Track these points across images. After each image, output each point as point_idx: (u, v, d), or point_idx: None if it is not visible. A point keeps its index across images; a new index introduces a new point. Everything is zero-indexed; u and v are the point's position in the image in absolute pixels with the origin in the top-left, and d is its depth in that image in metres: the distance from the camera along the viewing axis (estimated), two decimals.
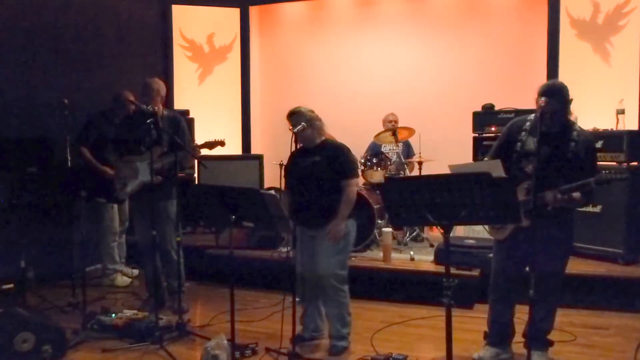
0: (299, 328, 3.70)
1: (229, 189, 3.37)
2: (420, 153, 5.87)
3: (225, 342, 3.47)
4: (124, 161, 4.35)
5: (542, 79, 5.45)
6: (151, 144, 3.93)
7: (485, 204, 2.50)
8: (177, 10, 7.14)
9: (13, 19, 5.21)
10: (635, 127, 5.32)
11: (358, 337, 3.90)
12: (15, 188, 4.75)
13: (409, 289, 4.78)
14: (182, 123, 4.43)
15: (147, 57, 6.84)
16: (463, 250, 4.74)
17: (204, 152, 4.43)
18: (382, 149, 6.10)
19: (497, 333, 3.50)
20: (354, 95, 7.07)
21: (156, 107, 4.19)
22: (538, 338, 3.35)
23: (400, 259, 5.14)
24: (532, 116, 3.33)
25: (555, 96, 3.09)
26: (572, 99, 3.19)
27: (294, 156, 3.70)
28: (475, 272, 4.62)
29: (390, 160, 5.71)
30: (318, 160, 3.63)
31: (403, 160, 5.79)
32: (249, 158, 6.88)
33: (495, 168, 2.86)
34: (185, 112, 6.47)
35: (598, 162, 3.42)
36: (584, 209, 4.17)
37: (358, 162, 4.86)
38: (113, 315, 4.11)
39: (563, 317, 3.95)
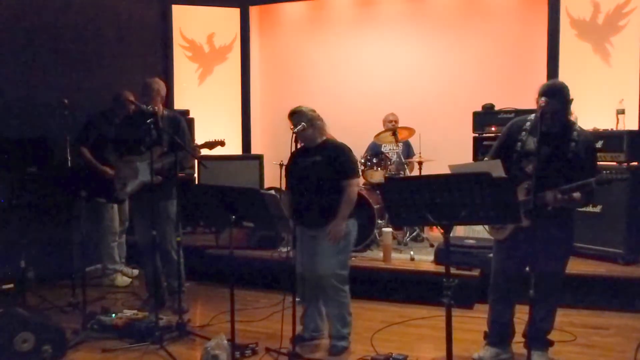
0: (299, 328, 3.70)
1: (229, 189, 3.37)
2: (420, 153, 5.87)
3: (225, 342, 3.46)
4: (124, 161, 4.35)
5: (542, 79, 5.46)
6: (151, 144, 3.93)
7: (485, 204, 2.50)
8: (177, 10, 7.14)
9: (13, 19, 5.21)
10: (636, 127, 5.32)
11: (358, 337, 3.90)
12: (15, 188, 4.75)
13: (409, 289, 4.78)
14: (182, 123, 4.44)
15: (147, 57, 6.84)
16: (463, 250, 4.74)
17: (204, 152, 4.43)
18: (382, 149, 6.10)
19: (497, 333, 3.50)
20: (354, 95, 7.07)
21: (156, 107, 4.19)
22: (538, 338, 3.35)
23: (401, 259, 5.14)
24: (532, 116, 3.33)
25: (556, 96, 3.09)
26: (572, 99, 3.18)
27: (294, 156, 3.70)
28: (475, 272, 4.62)
29: (390, 160, 5.71)
30: (319, 160, 3.63)
31: (403, 160, 5.79)
32: (249, 158, 6.88)
33: (495, 168, 2.86)
34: (185, 112, 6.47)
35: (598, 162, 3.42)
36: (584, 209, 4.17)
37: (358, 162, 4.86)
38: (113, 315, 4.11)
39: (563, 317, 3.95)
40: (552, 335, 3.45)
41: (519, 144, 3.28)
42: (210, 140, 4.37)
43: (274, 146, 7.17)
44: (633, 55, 5.55)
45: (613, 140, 4.87)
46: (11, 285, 4.58)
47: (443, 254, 4.63)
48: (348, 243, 3.71)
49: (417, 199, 2.58)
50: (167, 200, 4.35)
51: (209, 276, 5.39)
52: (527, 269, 3.28)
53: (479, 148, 5.54)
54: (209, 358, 3.40)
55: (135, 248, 4.91)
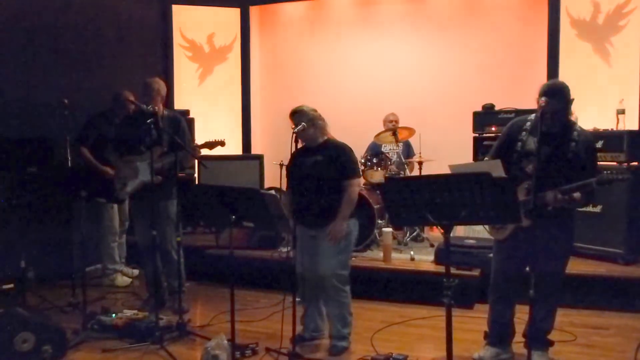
0: (299, 328, 3.70)
1: (229, 189, 3.37)
2: (420, 153, 5.87)
3: (226, 342, 3.46)
4: (124, 161, 4.35)
5: (542, 79, 5.46)
6: (151, 144, 3.93)
7: (485, 204, 2.50)
8: (177, 10, 7.14)
9: (13, 19, 5.21)
10: (636, 127, 5.32)
11: (358, 337, 3.90)
12: (15, 188, 4.75)
13: (409, 289, 4.78)
14: (183, 123, 4.43)
15: (147, 57, 6.85)
16: (463, 250, 4.74)
17: (204, 152, 4.43)
18: (383, 149, 6.10)
19: (497, 333, 3.50)
20: (354, 95, 7.06)
21: (156, 107, 4.19)
22: (538, 338, 3.35)
23: (401, 259, 5.14)
24: (532, 116, 3.33)
25: (556, 96, 3.09)
26: (573, 99, 3.18)
27: (295, 155, 3.68)
28: (476, 272, 4.62)
29: (390, 160, 5.71)
30: (320, 160, 3.63)
31: (403, 160, 5.79)
32: (249, 158, 6.88)
33: (496, 168, 2.86)
34: (185, 112, 6.47)
35: (598, 162, 3.42)
36: (584, 209, 4.17)
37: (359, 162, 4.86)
38: (113, 315, 4.11)
39: (563, 317, 3.95)
40: (552, 335, 3.45)
41: (519, 144, 3.28)
42: (210, 140, 4.37)
43: (274, 146, 7.17)
44: (633, 55, 5.55)
45: (613, 140, 4.87)
46: (11, 285, 4.58)
47: (443, 254, 4.63)
48: (349, 243, 3.70)
49: (417, 199, 2.58)
50: (167, 200, 4.35)
51: (209, 276, 5.39)
52: (527, 269, 3.28)
53: (479, 148, 5.54)
54: (209, 358, 3.40)
55: (135, 248, 4.90)
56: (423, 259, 5.08)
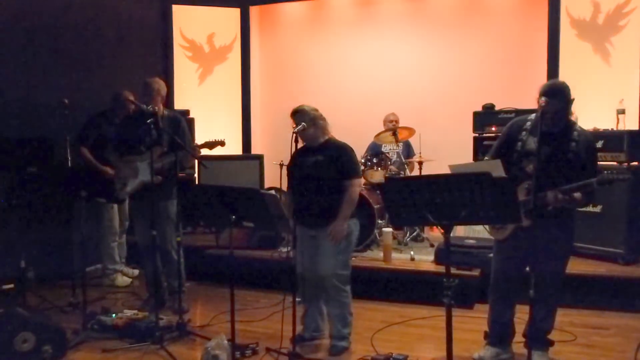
0: (299, 328, 3.70)
1: (229, 189, 3.37)
2: (420, 153, 5.87)
3: (226, 342, 3.46)
4: (124, 161, 4.35)
5: (542, 79, 5.47)
6: (151, 144, 3.93)
7: (485, 204, 2.50)
8: (177, 10, 7.14)
9: (13, 19, 5.20)
10: (636, 127, 5.32)
11: (358, 337, 3.90)
12: (15, 188, 4.75)
13: (409, 289, 4.78)
14: (183, 123, 4.43)
15: (147, 57, 6.85)
16: (463, 250, 4.74)
17: (204, 152, 4.43)
18: (383, 149, 6.10)
19: (497, 333, 3.50)
20: (354, 95, 7.06)
21: (156, 107, 4.18)
22: (538, 338, 3.35)
23: (401, 259, 5.14)
24: (532, 116, 3.33)
25: (557, 96, 3.09)
26: (573, 99, 3.18)
27: (296, 155, 3.65)
28: (476, 272, 4.62)
29: (390, 160, 5.71)
30: (321, 160, 3.62)
31: (403, 160, 5.79)
32: (249, 158, 6.88)
33: (496, 168, 2.86)
34: (186, 112, 6.47)
35: (598, 162, 3.42)
36: (584, 209, 4.17)
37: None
38: (113, 315, 4.11)
39: (563, 317, 3.95)
40: (552, 335, 3.45)
41: (520, 143, 3.28)
42: (210, 140, 4.37)
43: (274, 146, 7.17)
44: (633, 55, 5.55)
45: (613, 140, 4.87)
46: (11, 285, 4.58)
47: (443, 254, 4.62)
48: (350, 243, 3.70)
49: (417, 199, 2.58)
50: (167, 200, 4.35)
51: (209, 276, 5.39)
52: (527, 269, 3.28)
53: (479, 148, 5.54)
54: (209, 358, 3.40)
55: (135, 248, 4.91)
56: (423, 259, 5.08)
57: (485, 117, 5.65)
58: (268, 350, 3.70)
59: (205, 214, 3.69)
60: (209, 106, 7.21)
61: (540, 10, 6.16)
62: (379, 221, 5.43)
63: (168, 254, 4.42)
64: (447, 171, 2.87)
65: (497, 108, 5.70)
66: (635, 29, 5.59)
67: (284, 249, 5.25)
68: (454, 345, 2.63)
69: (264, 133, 7.65)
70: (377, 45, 7.05)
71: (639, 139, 4.93)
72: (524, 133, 3.28)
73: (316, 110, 3.68)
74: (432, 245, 5.40)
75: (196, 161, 5.33)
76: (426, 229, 5.94)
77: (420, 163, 5.73)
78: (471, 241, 4.87)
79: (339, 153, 3.64)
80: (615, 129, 5.12)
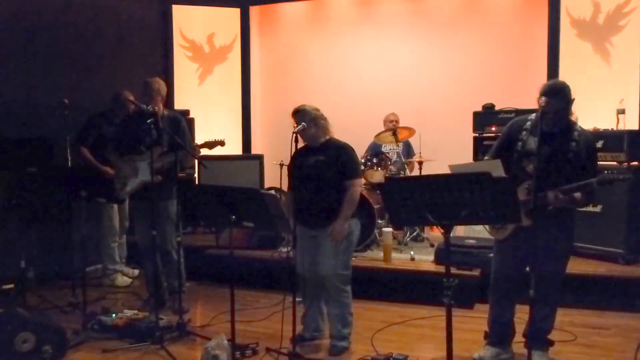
0: (299, 328, 3.70)
1: (229, 189, 3.37)
2: (420, 153, 5.87)
3: (226, 342, 3.46)
4: (124, 161, 4.35)
5: (542, 79, 5.48)
6: (151, 144, 3.93)
7: (485, 204, 2.50)
8: (177, 10, 7.14)
9: (13, 19, 5.21)
10: (636, 127, 5.32)
11: (358, 337, 3.90)
12: (15, 188, 4.75)
13: (409, 289, 4.78)
14: (183, 123, 4.43)
15: (147, 57, 6.85)
16: (463, 250, 4.74)
17: (204, 152, 4.43)
18: (383, 149, 6.10)
19: (497, 333, 3.49)
20: (354, 95, 7.06)
21: (156, 107, 4.19)
22: (538, 338, 3.35)
23: (401, 259, 5.14)
24: (533, 116, 3.33)
25: (557, 96, 3.08)
26: (574, 99, 3.18)
27: (297, 155, 3.65)
28: (476, 272, 4.62)
29: (390, 160, 5.71)
30: (322, 160, 3.62)
31: (403, 160, 5.80)
32: (249, 158, 6.89)
33: (496, 168, 2.87)
34: (186, 112, 6.47)
35: (598, 162, 3.42)
36: (584, 208, 4.17)
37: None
38: (113, 315, 4.11)
39: (563, 317, 3.95)
40: (553, 335, 3.45)
41: (520, 143, 3.28)
42: (210, 140, 4.37)
43: (274, 146, 7.17)
44: (633, 55, 5.55)
45: (613, 140, 4.87)
46: (11, 285, 4.58)
47: (443, 254, 4.62)
48: (350, 243, 3.70)
49: (417, 199, 2.58)
50: (167, 200, 4.35)
51: (209, 276, 5.39)
52: (527, 269, 3.28)
53: (479, 148, 5.54)
54: (210, 358, 3.40)
55: (135, 248, 4.90)
56: (423, 259, 5.08)
57: (485, 117, 5.65)
58: (268, 350, 3.70)
59: (205, 214, 3.69)
60: (209, 106, 7.21)
61: (540, 10, 6.16)
62: (379, 221, 5.44)
63: (168, 254, 4.42)
64: (447, 171, 2.87)
65: (497, 108, 5.70)
66: (635, 29, 5.59)
67: (284, 249, 5.25)
68: (454, 345, 2.63)
69: (264, 133, 7.65)
70: (377, 45, 7.05)
71: (639, 139, 4.93)
72: (524, 133, 3.28)
73: (317, 110, 3.68)
74: (432, 245, 5.40)
75: (196, 161, 5.32)
76: (426, 229, 5.94)
77: (420, 163, 5.73)
78: (471, 241, 4.87)
79: (340, 153, 3.63)
80: (615, 129, 5.11)
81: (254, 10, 7.49)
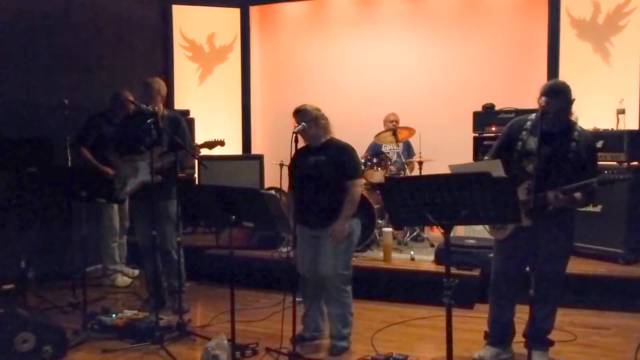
0: (299, 328, 3.70)
1: (229, 189, 3.36)
2: (420, 153, 5.87)
3: (226, 342, 3.46)
4: (124, 161, 4.35)
5: (542, 79, 5.48)
6: (151, 144, 3.93)
7: (485, 204, 2.50)
8: (177, 10, 7.15)
9: (13, 19, 5.21)
10: (636, 127, 5.32)
11: (358, 337, 3.90)
12: (15, 188, 4.75)
13: (410, 289, 4.78)
14: (183, 123, 4.43)
15: (147, 57, 6.85)
16: (463, 250, 4.74)
17: (204, 152, 4.43)
18: (383, 149, 6.10)
19: (497, 333, 3.50)
20: (354, 95, 7.06)
21: (156, 107, 4.19)
22: (538, 338, 3.35)
23: (401, 259, 5.14)
24: (533, 115, 3.33)
25: (557, 96, 3.08)
26: (574, 99, 3.18)
27: (298, 155, 3.64)
28: (476, 272, 4.62)
29: (390, 160, 5.71)
30: (322, 160, 3.61)
31: (403, 160, 5.80)
32: (249, 158, 6.89)
33: (496, 168, 2.87)
34: (186, 112, 6.47)
35: (598, 162, 3.42)
36: (584, 208, 4.17)
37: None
38: (113, 315, 4.11)
39: (563, 316, 3.95)
40: (553, 335, 3.45)
41: (520, 143, 3.28)
42: (210, 140, 4.37)
43: (274, 146, 7.17)
44: (633, 55, 5.55)
45: (613, 140, 4.87)
46: (11, 286, 4.59)
47: (443, 254, 4.61)
48: (351, 243, 3.70)
49: (417, 199, 2.58)
50: (167, 200, 4.35)
51: (209, 276, 5.39)
52: (527, 269, 3.28)
53: (479, 148, 5.54)
54: (210, 358, 3.40)
55: (135, 248, 4.90)
56: (423, 259, 5.08)
57: (485, 117, 5.65)
58: (268, 350, 3.70)
59: (205, 214, 3.69)
60: (209, 106, 7.21)
61: (540, 10, 6.16)
62: (379, 221, 5.44)
63: (168, 254, 4.42)
64: (447, 171, 2.87)
65: (497, 108, 5.70)
66: (635, 29, 5.59)
67: (284, 249, 5.25)
68: (454, 345, 2.63)
69: (264, 133, 7.65)
70: (377, 45, 7.05)
71: (639, 139, 4.93)
72: (524, 133, 3.28)
73: (318, 109, 3.67)
74: (432, 245, 5.40)
75: (196, 161, 5.32)
76: (426, 229, 5.94)
77: (420, 163, 5.73)
78: (471, 241, 4.88)
79: (341, 153, 3.63)
80: (615, 129, 5.11)
81: (254, 10, 7.49)
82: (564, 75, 5.62)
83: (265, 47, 7.63)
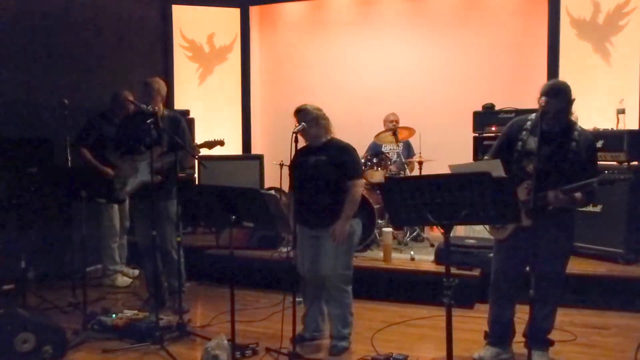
0: (299, 328, 3.70)
1: (229, 189, 3.36)
2: (420, 153, 5.87)
3: (226, 342, 3.46)
4: (124, 161, 4.35)
5: (542, 79, 5.48)
6: (151, 144, 3.93)
7: (485, 204, 2.50)
8: (177, 10, 7.15)
9: (13, 19, 5.21)
10: (636, 127, 5.33)
11: (358, 337, 3.90)
12: (15, 188, 4.75)
13: (410, 289, 4.78)
14: (182, 123, 4.43)
15: (147, 57, 6.85)
16: (463, 250, 4.74)
17: (204, 152, 4.43)
18: (383, 149, 6.10)
19: (497, 333, 3.49)
20: (354, 95, 7.07)
21: (156, 107, 4.19)
22: (538, 338, 3.35)
23: (401, 259, 5.14)
24: (533, 115, 3.33)
25: (557, 96, 3.08)
26: (574, 99, 3.18)
27: (298, 155, 3.62)
28: (476, 272, 4.62)
29: (390, 160, 5.71)
30: (323, 160, 3.61)
31: (403, 160, 5.80)
32: (249, 158, 6.89)
33: (496, 168, 2.86)
34: (186, 112, 6.47)
35: (598, 162, 3.42)
36: (584, 208, 4.17)
37: None
38: (113, 315, 4.11)
39: (563, 316, 3.95)
40: (553, 335, 3.45)
41: (520, 143, 3.28)
42: (210, 140, 4.37)
43: (274, 146, 7.17)
44: (633, 55, 5.56)
45: (613, 140, 4.87)
46: (11, 286, 4.59)
47: (443, 254, 4.61)
48: (352, 243, 3.70)
49: (417, 199, 2.58)
50: (167, 200, 4.35)
51: (209, 276, 5.39)
52: (527, 269, 3.28)
53: (479, 148, 5.54)
54: (210, 358, 3.40)
55: (135, 248, 4.90)
56: (423, 259, 5.08)
57: (485, 117, 5.65)
58: (268, 350, 3.70)
59: (205, 214, 3.69)
60: (209, 106, 7.21)
61: (540, 10, 6.16)
62: (379, 221, 5.44)
63: (168, 254, 4.42)
64: (447, 171, 2.87)
65: (497, 108, 5.70)
66: (635, 29, 5.59)
67: (284, 249, 5.25)
68: (454, 345, 2.63)
69: (264, 133, 7.65)
70: (377, 45, 7.05)
71: (639, 138, 4.93)
72: (524, 133, 3.28)
73: (319, 109, 3.67)
74: (432, 245, 5.40)
75: (196, 161, 5.33)
76: (426, 229, 5.94)
77: (420, 163, 5.73)
78: (471, 241, 4.87)
79: (342, 153, 3.63)
80: (615, 128, 5.11)
81: (254, 10, 7.49)
82: (564, 75, 5.62)
83: (265, 47, 7.64)
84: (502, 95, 6.00)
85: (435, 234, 5.88)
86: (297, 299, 3.53)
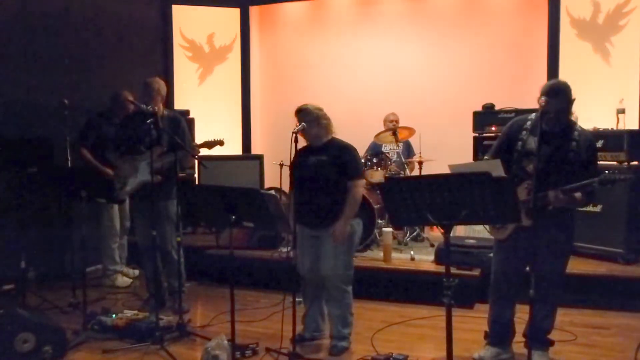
0: (299, 328, 3.70)
1: (229, 189, 3.36)
2: (420, 153, 5.87)
3: (226, 342, 3.46)
4: (124, 161, 4.35)
5: (542, 79, 5.48)
6: (151, 144, 3.94)
7: (485, 204, 2.50)
8: (177, 10, 7.15)
9: (13, 19, 5.21)
10: (636, 127, 5.32)
11: (358, 337, 3.90)
12: (15, 188, 4.75)
13: (410, 289, 4.78)
14: (182, 123, 4.44)
15: (147, 57, 6.85)
16: (463, 250, 4.73)
17: (204, 152, 4.43)
18: (383, 149, 6.10)
19: (497, 333, 3.49)
20: (354, 95, 7.06)
21: (156, 107, 4.19)
22: (538, 338, 3.35)
23: (401, 259, 5.14)
24: (533, 115, 3.33)
25: (557, 96, 3.08)
26: (574, 99, 3.18)
27: (299, 155, 3.62)
28: (476, 272, 4.62)
29: (390, 160, 5.71)
30: (323, 160, 3.61)
31: (403, 160, 5.80)
32: (249, 158, 6.89)
33: (495, 167, 2.87)
34: (186, 112, 6.47)
35: (598, 162, 3.42)
36: (584, 208, 4.17)
37: None
38: (113, 315, 4.11)
39: (564, 316, 3.95)
40: (553, 335, 3.45)
41: (520, 143, 3.28)
42: (209, 140, 4.38)
43: (274, 146, 7.17)
44: (633, 54, 5.56)
45: (613, 139, 4.88)
46: (11, 286, 4.59)
47: (443, 254, 4.61)
48: (353, 243, 3.70)
49: (417, 199, 2.58)
50: (167, 200, 4.35)
51: (209, 276, 5.39)
52: (527, 269, 3.28)
53: (479, 148, 5.55)
54: (210, 358, 3.40)
55: (135, 248, 4.90)
56: (423, 259, 5.08)
57: (485, 117, 5.65)
58: (268, 350, 3.70)
59: (205, 214, 3.69)
60: (209, 106, 7.21)
61: (540, 10, 6.16)
62: (379, 221, 5.44)
63: (168, 254, 4.42)
64: (447, 171, 2.87)
65: (497, 108, 5.70)
66: (635, 29, 5.59)
67: (284, 249, 5.25)
68: (454, 345, 2.63)
69: (264, 133, 7.65)
70: (377, 45, 7.05)
71: (639, 138, 4.93)
72: (524, 132, 3.28)
73: (320, 109, 3.66)
74: (432, 245, 5.40)
75: (196, 161, 5.32)
76: (426, 229, 5.94)
77: (420, 163, 5.74)
78: (471, 241, 4.87)
79: (342, 153, 3.62)
80: (615, 128, 5.12)
81: (254, 10, 7.49)
82: (564, 75, 5.62)
83: (265, 47, 7.64)
84: (502, 95, 6.00)
85: (435, 234, 5.88)
86: (297, 299, 3.53)
